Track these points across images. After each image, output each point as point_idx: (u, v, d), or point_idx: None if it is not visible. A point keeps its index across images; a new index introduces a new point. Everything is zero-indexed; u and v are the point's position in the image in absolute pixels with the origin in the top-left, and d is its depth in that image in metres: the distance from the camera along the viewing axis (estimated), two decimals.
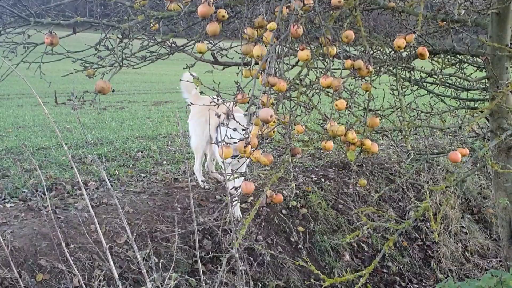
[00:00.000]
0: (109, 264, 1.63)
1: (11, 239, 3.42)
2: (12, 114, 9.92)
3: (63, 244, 2.01)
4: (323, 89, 3.12)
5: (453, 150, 3.06)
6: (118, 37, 3.02)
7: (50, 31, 2.74)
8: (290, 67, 3.46)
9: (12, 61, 2.76)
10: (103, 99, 2.58)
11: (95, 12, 3.51)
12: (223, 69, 4.06)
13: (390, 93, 3.83)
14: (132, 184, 4.97)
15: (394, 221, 4.47)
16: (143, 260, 1.82)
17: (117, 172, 5.29)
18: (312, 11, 2.64)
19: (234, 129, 3.55)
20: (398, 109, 3.60)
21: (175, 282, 2.02)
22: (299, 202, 5.03)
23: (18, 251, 3.36)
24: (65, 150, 5.62)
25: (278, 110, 2.80)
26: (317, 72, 3.32)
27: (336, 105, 2.60)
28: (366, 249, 5.18)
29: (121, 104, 12.45)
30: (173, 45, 3.56)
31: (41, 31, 2.90)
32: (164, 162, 5.96)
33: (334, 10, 2.94)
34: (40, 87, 17.03)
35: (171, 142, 7.31)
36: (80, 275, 3.13)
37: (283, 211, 4.85)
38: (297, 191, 5.12)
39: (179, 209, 4.35)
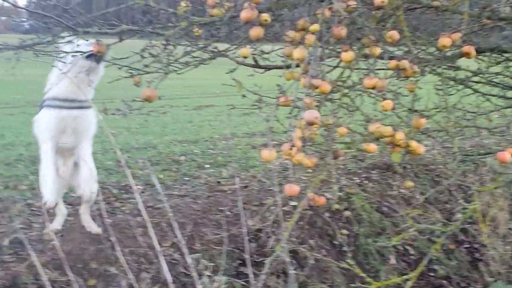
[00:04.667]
0: (163, 268, 1.66)
1: (61, 243, 3.51)
2: None
3: (118, 248, 2.06)
4: (366, 90, 3.10)
5: (500, 150, 2.99)
6: (162, 44, 3.08)
7: (97, 40, 2.81)
8: (331, 68, 3.45)
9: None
10: (146, 104, 2.64)
11: (137, 19, 3.59)
12: (263, 72, 4.08)
13: (435, 93, 3.77)
14: (176, 188, 5.03)
15: (441, 223, 4.39)
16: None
17: (161, 176, 5.38)
18: (355, 12, 2.63)
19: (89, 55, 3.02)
20: (444, 109, 3.54)
21: (226, 286, 2.03)
22: (342, 205, 4.99)
23: (67, 255, 3.44)
24: (112, 155, 5.74)
25: (320, 113, 2.79)
26: (359, 73, 3.30)
27: (383, 106, 2.57)
28: (412, 252, 5.10)
29: (164, 109, 12.62)
30: (215, 50, 3.60)
31: (87, 40, 2.98)
32: (207, 166, 6.02)
33: (377, 11, 2.91)
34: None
35: (213, 146, 7.38)
36: (128, 279, 3.20)
37: (326, 214, 4.82)
38: (340, 194, 5.08)
39: (228, 212, 4.38)
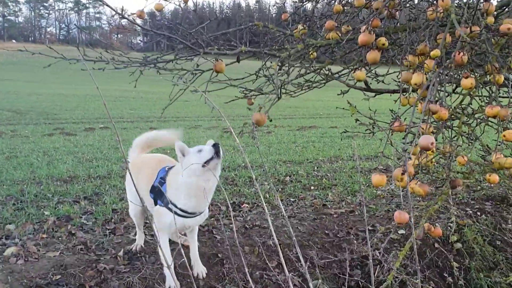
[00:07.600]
0: None
1: (172, 258, 3.63)
2: None
3: (245, 265, 2.10)
4: (487, 118, 2.96)
5: None
6: (277, 65, 3.14)
7: (217, 59, 2.93)
8: (447, 94, 3.34)
9: (179, 87, 2.98)
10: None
11: (254, 40, 3.66)
12: (374, 96, 4.03)
13: None
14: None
15: None
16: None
17: (267, 196, 5.44)
18: (479, 38, 2.54)
19: (199, 150, 3.17)
20: None
21: None
22: (453, 236, 4.78)
23: (179, 268, 3.55)
24: (220, 172, 5.88)
25: (437, 140, 2.71)
26: (481, 101, 3.17)
27: (504, 136, 2.45)
28: None
29: (268, 129, 12.82)
30: (328, 73, 3.61)
31: (207, 59, 3.09)
32: (312, 187, 6.00)
33: (501, 37, 2.79)
34: (194, 111, 18.02)
35: (317, 168, 7.36)
36: None
37: (436, 245, 4.64)
38: (450, 224, 4.88)
39: (334, 236, 4.34)
